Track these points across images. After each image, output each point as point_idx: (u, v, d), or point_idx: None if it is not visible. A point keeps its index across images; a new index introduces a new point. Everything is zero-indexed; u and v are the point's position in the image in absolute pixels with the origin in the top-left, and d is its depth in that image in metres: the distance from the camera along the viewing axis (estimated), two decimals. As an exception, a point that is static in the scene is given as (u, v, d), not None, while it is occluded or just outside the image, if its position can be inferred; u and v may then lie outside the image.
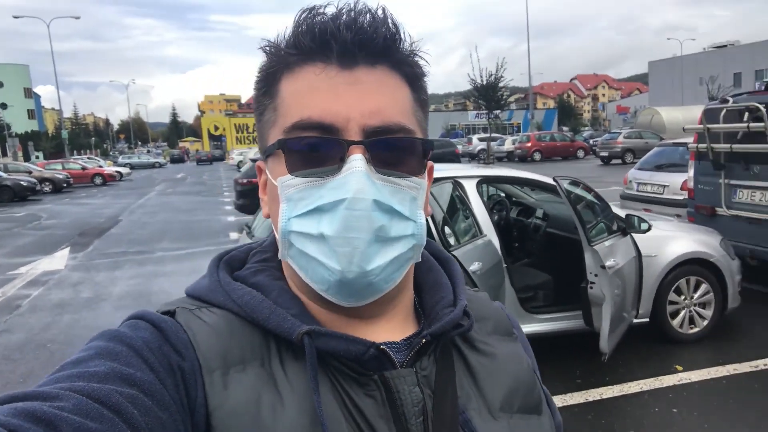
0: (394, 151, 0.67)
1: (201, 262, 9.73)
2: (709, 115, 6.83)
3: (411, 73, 0.70)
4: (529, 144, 35.27)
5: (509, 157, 36.30)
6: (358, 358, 0.66)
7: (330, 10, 0.66)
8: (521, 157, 34.88)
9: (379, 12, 0.67)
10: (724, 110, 6.58)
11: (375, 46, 0.66)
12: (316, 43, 0.65)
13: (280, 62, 0.68)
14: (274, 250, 0.76)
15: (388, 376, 0.67)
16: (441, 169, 5.07)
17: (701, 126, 6.87)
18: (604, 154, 29.62)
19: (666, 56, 70.20)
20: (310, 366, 0.63)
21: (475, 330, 0.78)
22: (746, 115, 6.30)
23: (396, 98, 0.68)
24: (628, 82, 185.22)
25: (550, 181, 4.81)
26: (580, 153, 36.06)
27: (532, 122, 57.55)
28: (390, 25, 0.67)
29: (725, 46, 62.93)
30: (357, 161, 0.64)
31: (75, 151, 67.71)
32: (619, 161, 27.52)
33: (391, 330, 0.73)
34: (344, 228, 0.63)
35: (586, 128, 76.65)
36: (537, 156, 34.74)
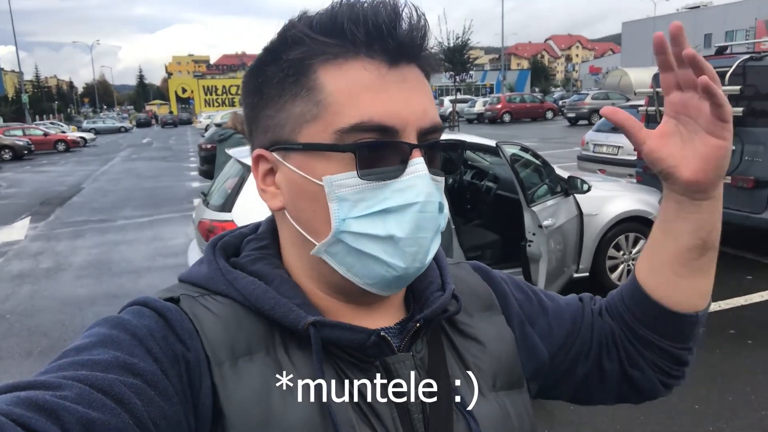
0: (437, 152, 0.71)
1: (163, 229, 9.75)
2: (660, 79, 7.01)
3: (430, 70, 0.71)
4: (500, 106, 35.41)
5: (479, 119, 36.43)
6: (361, 346, 0.68)
7: None
8: (491, 119, 35.05)
9: (412, 5, 0.66)
10: (673, 73, 6.76)
11: (416, 44, 0.67)
12: (371, 37, 0.64)
13: (317, 51, 0.65)
14: (272, 237, 0.77)
15: (388, 361, 0.70)
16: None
17: (651, 90, 7.06)
18: (571, 115, 29.95)
19: (641, 17, 70.28)
20: (316, 356, 0.65)
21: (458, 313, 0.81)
22: (693, 78, 6.48)
23: (431, 97, 0.71)
24: (602, 42, 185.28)
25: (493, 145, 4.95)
26: (549, 114, 36.37)
27: (503, 84, 57.55)
28: (422, 21, 0.67)
29: (698, 7, 63.18)
30: (421, 164, 0.66)
31: (37, 116, 65.71)
32: (586, 122, 27.86)
33: (387, 315, 0.75)
34: (416, 229, 0.65)
35: (558, 89, 76.93)
36: (507, 117, 34.95)
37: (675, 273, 0.82)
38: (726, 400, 3.67)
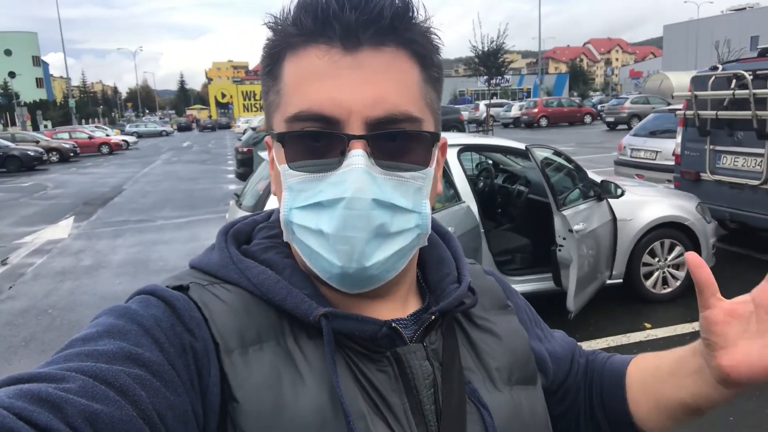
0: (399, 142, 0.65)
1: (200, 230, 9.96)
2: (698, 82, 6.86)
3: (421, 50, 0.66)
4: (536, 110, 35.02)
5: (515, 123, 36.07)
6: (372, 337, 0.67)
7: None
8: (527, 123, 34.68)
9: None
10: (713, 77, 6.61)
11: (381, 25, 0.62)
12: (318, 24, 0.63)
13: (283, 41, 0.66)
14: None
15: (400, 352, 0.69)
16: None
17: (689, 93, 6.90)
18: (610, 119, 29.38)
19: (683, 20, 68.69)
20: (328, 347, 0.64)
21: (474, 307, 0.79)
22: (734, 82, 6.33)
23: (403, 82, 0.65)
24: (642, 46, 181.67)
25: (523, 148, 4.92)
26: (587, 119, 35.79)
27: (541, 88, 56.91)
28: (398, 1, 0.64)
29: (744, 8, 61.35)
30: (357, 157, 0.62)
31: (83, 120, 67.90)
32: (625, 126, 27.31)
33: (397, 307, 0.74)
34: (343, 227, 0.63)
35: (597, 93, 75.67)
36: (543, 122, 34.55)
37: (657, 403, 0.83)
38: (763, 412, 3.55)
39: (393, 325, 0.69)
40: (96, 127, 48.44)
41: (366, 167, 0.62)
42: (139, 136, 50.56)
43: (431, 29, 0.67)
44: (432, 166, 0.69)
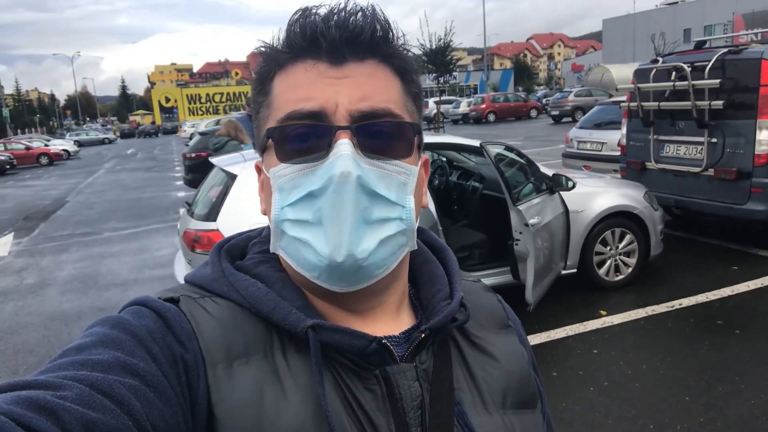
0: (382, 137, 0.68)
1: (150, 240, 9.66)
2: (640, 75, 7.09)
3: (401, 66, 0.71)
4: (484, 106, 35.57)
5: (464, 120, 36.54)
6: (360, 352, 0.67)
7: (323, 11, 0.68)
8: (476, 119, 35.18)
9: (369, 10, 0.69)
10: (654, 70, 6.85)
11: (362, 42, 0.68)
12: (306, 42, 0.67)
13: (273, 62, 0.70)
14: None
15: (389, 371, 0.68)
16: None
17: (633, 85, 7.12)
18: (555, 113, 30.11)
19: (621, 14, 70.95)
20: (315, 360, 0.64)
21: (471, 324, 0.79)
22: (673, 74, 6.56)
23: (385, 87, 0.69)
24: (583, 40, 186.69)
25: (477, 145, 4.96)
26: (533, 113, 36.57)
27: (487, 84, 57.81)
28: (379, 22, 0.69)
29: (676, 2, 63.83)
30: (343, 145, 0.65)
31: (19, 130, 65.07)
32: (570, 119, 28.04)
33: (388, 323, 0.74)
34: (332, 210, 0.64)
35: (541, 87, 77.41)
36: (491, 117, 35.10)
37: None
38: (716, 390, 3.69)
39: (383, 341, 0.68)
40: (34, 136, 46.49)
41: (352, 154, 0.65)
42: (80, 144, 48.77)
43: (408, 50, 0.73)
44: (417, 165, 0.72)
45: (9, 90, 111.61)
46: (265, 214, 0.73)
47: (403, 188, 0.69)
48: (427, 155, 0.78)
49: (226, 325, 0.66)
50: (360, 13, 0.68)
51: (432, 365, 0.72)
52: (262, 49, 0.72)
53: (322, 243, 0.65)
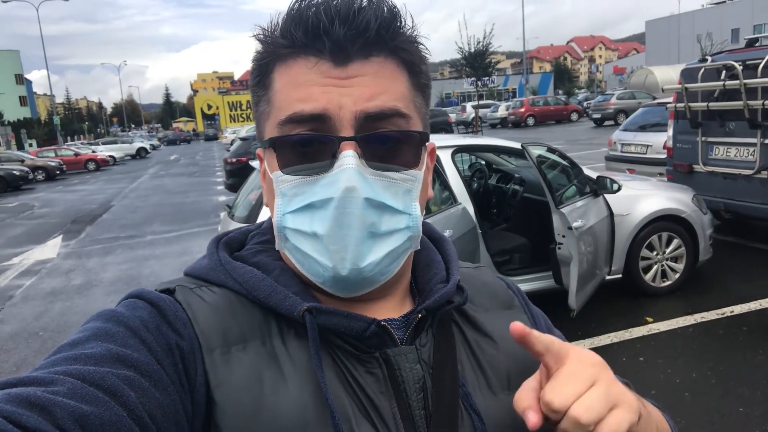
0: (388, 145, 0.66)
1: (191, 243, 9.83)
2: (687, 75, 6.86)
3: (408, 58, 0.69)
4: (523, 109, 35.15)
5: (503, 123, 36.18)
6: (359, 334, 0.66)
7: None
8: (515, 123, 34.79)
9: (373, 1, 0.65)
10: (703, 69, 6.61)
11: (368, 36, 0.64)
12: (309, 38, 0.64)
13: (273, 53, 0.67)
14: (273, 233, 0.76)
15: (390, 353, 0.68)
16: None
17: (679, 86, 6.90)
18: (597, 116, 29.54)
19: (665, 15, 69.30)
20: (312, 342, 0.63)
21: (472, 307, 0.78)
22: (723, 73, 6.33)
23: (392, 86, 0.67)
24: (625, 42, 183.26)
25: (519, 147, 4.87)
26: (574, 116, 35.98)
27: (526, 87, 57.20)
28: (385, 12, 0.65)
29: (723, 2, 62.00)
30: (348, 158, 0.63)
31: (68, 137, 67.40)
32: (612, 122, 27.45)
33: (390, 309, 0.73)
34: (336, 226, 0.63)
35: (582, 91, 76.16)
36: (530, 121, 34.67)
37: None
38: (773, 403, 3.51)
39: (382, 323, 0.68)
40: (81, 144, 47.93)
41: (357, 167, 0.63)
42: (154, 147, 48.53)
43: (418, 38, 0.70)
44: (422, 169, 0.70)
45: (60, 99, 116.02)
46: (267, 205, 0.72)
47: (408, 195, 0.68)
48: (433, 143, 0.76)
49: (222, 311, 0.66)
50: (363, 1, 0.65)
51: (432, 347, 0.71)
52: (260, 36, 0.69)
53: (324, 257, 0.65)
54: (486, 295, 0.81)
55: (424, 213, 0.72)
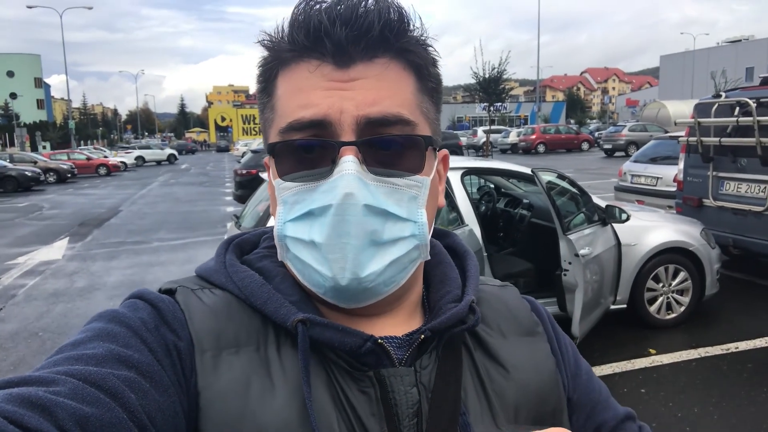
0: (391, 149, 0.63)
1: (197, 252, 9.84)
2: (701, 109, 6.87)
3: (415, 60, 0.66)
4: (534, 136, 35.23)
5: (513, 150, 36.25)
6: (353, 351, 0.64)
7: (327, 3, 0.63)
8: (525, 149, 34.84)
9: (378, 2, 0.63)
10: (716, 105, 6.62)
11: (371, 39, 0.62)
12: (310, 40, 0.63)
13: (276, 58, 0.66)
14: None
15: (384, 374, 0.65)
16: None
17: (692, 120, 6.90)
18: (608, 146, 29.60)
19: (679, 50, 69.59)
20: (302, 355, 0.62)
21: (487, 331, 0.74)
22: (737, 109, 6.33)
23: (397, 90, 0.64)
24: (639, 75, 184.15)
25: (529, 172, 4.88)
26: (585, 145, 36.02)
27: (538, 115, 57.39)
28: (391, 13, 0.63)
29: (739, 41, 62.23)
30: (347, 163, 0.61)
31: (82, 142, 68.00)
32: (623, 154, 27.44)
33: (395, 325, 0.70)
34: (334, 234, 0.61)
35: (594, 121, 76.29)
36: (541, 148, 34.71)
37: None
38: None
39: (379, 341, 0.65)
40: (94, 149, 48.31)
41: (357, 173, 0.61)
42: (144, 161, 49.75)
43: (426, 40, 0.67)
44: (429, 175, 0.67)
45: (77, 104, 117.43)
46: (273, 215, 0.70)
47: (413, 202, 0.65)
48: (446, 151, 0.74)
49: (219, 314, 0.65)
50: (368, 3, 0.62)
51: (435, 371, 0.67)
52: (266, 42, 0.67)
53: (324, 266, 0.62)
54: (506, 318, 0.76)
55: (433, 222, 0.70)
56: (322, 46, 0.62)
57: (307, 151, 0.63)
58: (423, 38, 0.67)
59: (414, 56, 0.66)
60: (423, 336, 0.67)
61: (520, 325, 0.77)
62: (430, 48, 0.68)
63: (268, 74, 0.68)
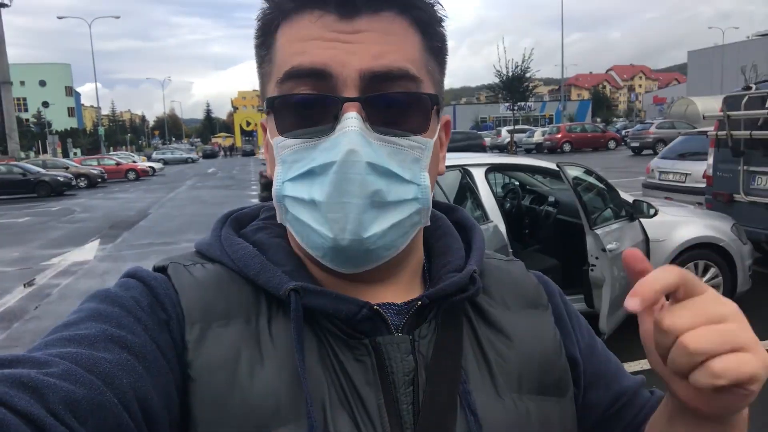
0: (395, 108, 0.61)
1: (224, 251, 9.97)
2: (731, 103, 6.74)
3: (422, 17, 0.64)
4: (559, 135, 34.83)
5: (538, 149, 35.93)
6: (348, 318, 0.62)
7: None
8: (550, 149, 34.48)
9: None
10: (746, 97, 6.49)
11: None
12: None
13: (277, 10, 0.64)
14: None
15: (380, 341, 0.63)
16: (450, 158, 5.15)
17: (721, 113, 6.77)
18: (635, 144, 29.12)
19: (708, 46, 68.18)
20: (295, 323, 0.60)
21: (489, 302, 0.73)
22: (768, 101, 6.20)
23: (402, 45, 0.62)
24: (666, 72, 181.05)
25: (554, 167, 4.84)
26: (612, 144, 35.49)
27: (563, 114, 56.82)
28: None
29: (769, 34, 60.72)
30: (351, 119, 0.59)
31: (111, 148, 69.44)
32: (651, 152, 27.01)
33: (395, 293, 0.69)
34: (336, 193, 0.59)
35: (620, 119, 75.24)
36: (567, 147, 34.30)
37: None
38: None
39: (375, 307, 0.63)
40: (123, 154, 49.40)
41: (360, 131, 0.59)
42: (165, 162, 51.34)
43: None
44: (433, 137, 0.65)
45: (106, 111, 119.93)
46: (270, 176, 0.68)
47: (416, 164, 0.63)
48: (448, 116, 0.72)
49: (209, 287, 0.64)
50: None
51: (434, 340, 0.66)
52: None
53: (324, 227, 0.60)
54: (510, 290, 0.75)
55: (434, 187, 0.68)
56: None
57: (308, 107, 0.61)
58: None
59: (421, 13, 0.64)
60: (420, 303, 0.66)
61: (524, 297, 0.76)
62: (437, 6, 0.65)
63: (268, 27, 0.65)
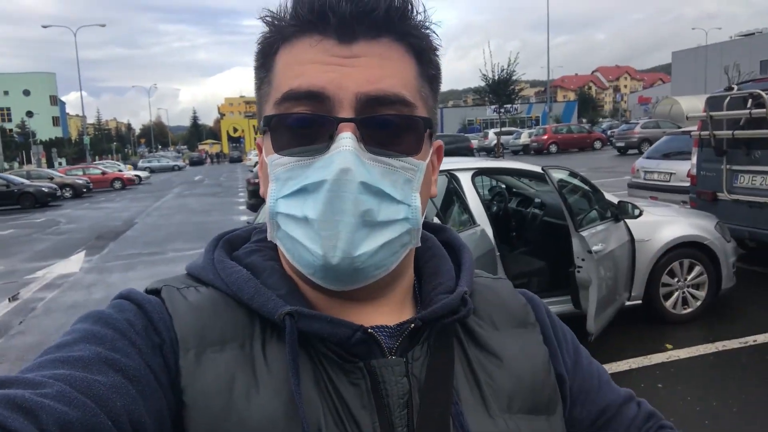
0: (389, 129, 0.63)
1: (211, 260, 9.91)
2: (713, 103, 6.82)
3: (418, 45, 0.66)
4: (545, 136, 35.03)
5: (525, 151, 36.10)
6: (343, 342, 0.63)
7: None
8: (537, 150, 34.67)
9: None
10: (728, 98, 6.57)
11: (376, 17, 0.62)
12: (314, 15, 0.62)
13: (278, 33, 0.65)
14: None
15: (374, 364, 0.64)
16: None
17: (704, 114, 6.86)
18: (621, 144, 29.36)
19: (692, 46, 68.87)
20: (290, 348, 0.61)
21: (479, 322, 0.74)
22: (749, 101, 6.28)
23: (398, 70, 0.64)
24: (651, 73, 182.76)
25: (539, 170, 4.87)
26: (597, 144, 35.73)
27: (549, 115, 57.18)
28: None
29: (752, 33, 61.40)
30: (345, 139, 0.60)
31: (97, 156, 68.89)
32: (636, 151, 27.23)
33: (387, 314, 0.69)
34: (328, 210, 0.60)
35: (606, 120, 75.78)
36: (553, 148, 34.51)
37: None
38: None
39: (369, 330, 0.64)
40: (109, 163, 49.09)
41: (354, 150, 0.60)
42: (152, 170, 51.14)
43: (430, 26, 0.67)
44: (425, 160, 0.67)
45: (91, 120, 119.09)
46: (263, 195, 0.69)
47: (408, 185, 0.64)
48: (440, 141, 0.74)
49: (203, 311, 0.64)
50: None
51: (426, 362, 0.67)
52: (267, 18, 0.66)
53: (315, 244, 0.61)
54: (499, 310, 0.76)
55: (425, 209, 0.69)
56: (326, 21, 0.62)
57: (304, 126, 0.62)
58: (426, 23, 0.66)
59: (417, 40, 0.66)
60: (413, 325, 0.66)
61: (512, 316, 0.77)
62: (433, 35, 0.67)
63: (269, 50, 0.67)
